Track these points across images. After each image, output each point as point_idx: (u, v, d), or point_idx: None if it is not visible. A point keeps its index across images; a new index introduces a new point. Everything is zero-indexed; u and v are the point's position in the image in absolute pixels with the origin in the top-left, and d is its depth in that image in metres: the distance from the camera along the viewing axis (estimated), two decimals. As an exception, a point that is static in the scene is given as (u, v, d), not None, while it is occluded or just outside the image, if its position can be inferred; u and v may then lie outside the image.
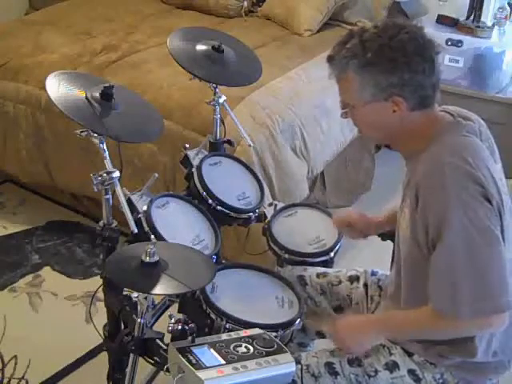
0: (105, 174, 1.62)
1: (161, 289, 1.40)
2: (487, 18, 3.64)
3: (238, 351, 1.35)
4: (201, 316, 1.58)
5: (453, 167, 1.41)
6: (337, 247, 1.95)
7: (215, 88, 2.06)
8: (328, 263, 1.94)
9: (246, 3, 3.81)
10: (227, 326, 1.54)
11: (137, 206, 1.77)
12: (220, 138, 2.15)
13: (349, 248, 2.68)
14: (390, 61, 1.44)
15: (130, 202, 1.75)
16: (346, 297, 1.85)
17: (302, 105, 2.93)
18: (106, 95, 1.67)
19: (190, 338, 1.38)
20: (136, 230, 1.64)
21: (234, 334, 1.42)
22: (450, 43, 3.41)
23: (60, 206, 3.31)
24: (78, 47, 3.28)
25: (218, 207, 1.90)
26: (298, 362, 1.62)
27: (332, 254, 1.94)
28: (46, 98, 2.59)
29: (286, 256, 1.92)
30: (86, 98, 1.66)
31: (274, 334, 1.52)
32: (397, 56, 1.44)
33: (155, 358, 1.54)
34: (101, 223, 1.69)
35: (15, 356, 2.41)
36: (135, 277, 1.43)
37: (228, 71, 2.03)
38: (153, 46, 3.30)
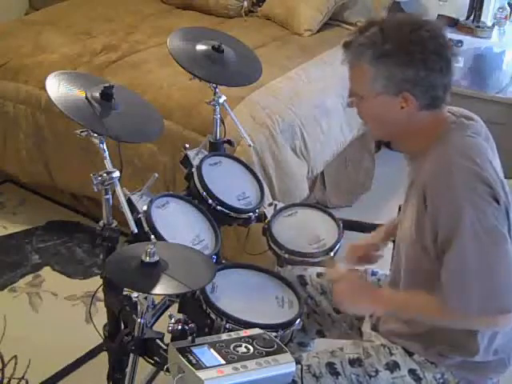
0: (105, 174, 1.62)
1: (161, 289, 1.40)
2: (487, 17, 3.65)
3: (237, 351, 1.35)
4: (201, 316, 1.58)
5: (461, 168, 1.41)
6: (337, 247, 1.95)
7: (215, 88, 2.06)
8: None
9: (245, 3, 3.81)
10: (227, 325, 1.54)
11: (137, 206, 1.77)
12: (220, 138, 2.15)
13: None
14: (407, 55, 1.42)
15: (130, 201, 1.75)
16: (346, 297, 1.85)
17: (302, 105, 2.93)
18: (106, 95, 1.67)
19: (189, 338, 1.38)
20: (136, 230, 1.64)
21: (234, 334, 1.42)
22: (450, 43, 3.41)
23: (60, 205, 3.31)
24: (77, 47, 3.28)
25: (218, 207, 1.90)
26: (298, 362, 1.62)
27: (332, 254, 1.94)
28: (46, 98, 2.59)
29: (286, 256, 1.91)
30: (86, 98, 1.66)
31: (274, 334, 1.52)
32: (415, 51, 1.42)
33: (155, 357, 1.54)
34: (101, 223, 1.69)
35: (15, 356, 2.41)
36: (135, 277, 1.43)
37: (228, 71, 2.03)
38: (153, 45, 3.30)
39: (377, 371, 1.60)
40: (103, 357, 2.01)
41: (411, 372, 1.59)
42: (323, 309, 1.86)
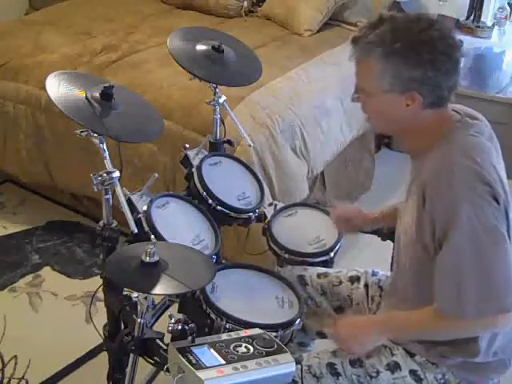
0: (105, 174, 1.62)
1: (161, 289, 1.40)
2: (487, 18, 3.65)
3: (237, 351, 1.35)
4: (201, 316, 1.58)
5: (461, 167, 1.41)
6: (337, 247, 1.95)
7: (215, 88, 2.06)
8: (328, 263, 1.94)
9: (245, 3, 3.81)
10: (227, 326, 1.54)
11: (137, 206, 1.77)
12: (220, 138, 2.15)
13: (349, 248, 2.68)
14: (416, 54, 1.42)
15: (130, 201, 1.75)
16: (346, 297, 1.85)
17: (302, 105, 2.93)
18: (106, 95, 1.67)
19: (189, 338, 1.38)
20: (136, 230, 1.64)
21: (234, 334, 1.42)
22: (450, 43, 3.41)
23: (60, 205, 3.31)
24: (77, 47, 3.28)
25: (218, 207, 1.90)
26: (299, 362, 1.62)
27: (332, 254, 1.94)
28: (46, 98, 2.59)
29: (286, 256, 1.92)
30: (86, 97, 1.66)
31: (274, 334, 1.52)
32: (424, 51, 1.42)
33: (155, 357, 1.54)
34: (101, 223, 1.69)
35: (15, 356, 2.41)
36: (135, 277, 1.43)
37: (228, 71, 2.03)
38: (153, 45, 3.30)
39: (378, 372, 1.60)
40: (103, 357, 2.01)
41: (412, 373, 1.59)
42: (323, 309, 1.86)
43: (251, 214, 1.97)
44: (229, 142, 2.17)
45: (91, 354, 2.43)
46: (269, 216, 2.03)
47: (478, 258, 1.39)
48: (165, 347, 1.50)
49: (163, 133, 1.85)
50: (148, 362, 1.57)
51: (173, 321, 1.44)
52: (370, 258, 2.56)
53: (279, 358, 1.34)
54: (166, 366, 1.42)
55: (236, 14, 3.81)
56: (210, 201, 1.90)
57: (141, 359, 1.57)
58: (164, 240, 1.68)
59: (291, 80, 3.03)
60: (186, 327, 1.40)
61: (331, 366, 1.62)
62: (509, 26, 3.71)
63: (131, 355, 1.56)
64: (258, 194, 2.05)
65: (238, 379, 1.28)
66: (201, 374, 1.26)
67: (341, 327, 1.60)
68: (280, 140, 2.76)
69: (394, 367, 1.60)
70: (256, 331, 1.44)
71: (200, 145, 2.09)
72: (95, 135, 1.62)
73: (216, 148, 2.13)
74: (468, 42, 3.44)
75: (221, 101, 2.08)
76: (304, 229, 2.02)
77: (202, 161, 1.98)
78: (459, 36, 1.49)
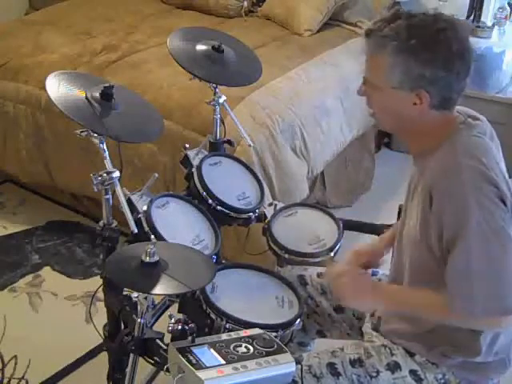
0: (105, 174, 1.62)
1: (161, 289, 1.40)
2: (487, 18, 3.65)
3: (237, 351, 1.35)
4: (201, 316, 1.58)
5: (467, 168, 1.40)
6: (337, 247, 1.94)
7: (215, 88, 2.06)
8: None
9: (245, 3, 3.81)
10: (227, 326, 1.54)
11: (137, 206, 1.77)
12: (220, 138, 2.15)
13: (349, 248, 2.67)
14: (430, 54, 1.41)
15: (130, 201, 1.75)
16: (346, 297, 1.85)
17: (302, 105, 2.93)
18: (106, 95, 1.67)
19: (189, 338, 1.38)
20: (136, 230, 1.64)
21: (234, 334, 1.42)
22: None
23: (60, 205, 3.31)
24: (77, 47, 3.28)
25: (218, 207, 1.90)
26: (299, 362, 1.62)
27: (332, 254, 1.94)
28: (46, 98, 2.59)
29: (286, 256, 1.91)
30: (86, 97, 1.66)
31: (274, 334, 1.51)
32: (439, 51, 1.41)
33: (155, 357, 1.54)
34: (101, 223, 1.69)
35: (15, 356, 2.41)
36: (135, 277, 1.43)
37: (228, 71, 2.03)
38: (153, 45, 3.30)
39: (378, 372, 1.60)
40: (103, 357, 2.01)
41: (412, 372, 1.59)
42: (323, 309, 1.86)
43: (251, 213, 1.97)
44: (229, 142, 2.17)
45: (91, 354, 2.43)
46: (269, 216, 2.03)
47: (486, 259, 1.39)
48: (165, 347, 1.50)
49: (163, 133, 1.85)
50: (148, 361, 1.57)
51: (173, 321, 1.44)
52: (370, 258, 2.56)
53: (279, 358, 1.34)
54: (166, 366, 1.42)
55: (236, 13, 3.81)
56: (210, 201, 1.90)
57: (141, 359, 1.57)
58: (164, 240, 1.68)
59: (291, 80, 3.03)
60: (186, 327, 1.40)
61: (331, 366, 1.62)
62: (509, 25, 3.71)
63: (131, 355, 1.56)
64: (258, 193, 2.05)
65: (238, 379, 1.28)
66: (201, 374, 1.26)
67: (346, 275, 1.60)
68: (280, 140, 2.76)
69: (394, 367, 1.60)
70: (256, 331, 1.44)
71: (200, 145, 2.09)
72: (95, 135, 1.62)
73: (216, 148, 2.13)
74: (468, 42, 3.44)
75: (221, 101, 2.08)
76: (304, 229, 2.02)
77: (202, 161, 1.98)
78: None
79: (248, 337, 1.41)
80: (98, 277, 1.74)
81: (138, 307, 1.51)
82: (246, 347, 1.36)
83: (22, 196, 3.39)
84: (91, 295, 2.39)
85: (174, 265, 1.45)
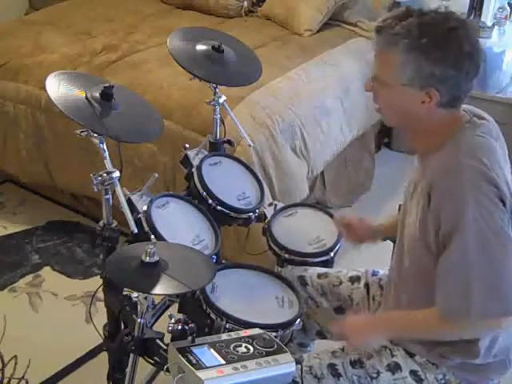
0: (105, 174, 1.62)
1: (161, 289, 1.40)
2: (487, 18, 3.65)
3: (237, 351, 1.35)
4: (201, 316, 1.58)
5: (468, 167, 1.40)
6: (337, 247, 1.95)
7: (215, 88, 2.06)
8: (328, 263, 1.94)
9: (245, 3, 3.81)
10: (227, 326, 1.54)
11: (137, 206, 1.77)
12: (220, 138, 2.15)
13: (349, 248, 2.67)
14: (441, 52, 1.40)
15: (130, 201, 1.75)
16: (347, 297, 1.85)
17: (302, 105, 2.93)
18: (106, 95, 1.67)
19: (189, 338, 1.38)
20: (136, 230, 1.64)
21: (233, 334, 1.42)
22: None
23: (60, 205, 3.31)
24: (77, 47, 3.28)
25: (218, 207, 1.90)
26: (299, 362, 1.61)
27: (332, 254, 1.94)
28: (46, 98, 2.60)
29: (286, 256, 1.92)
30: (86, 97, 1.66)
31: (274, 334, 1.52)
32: (450, 50, 1.40)
33: (155, 357, 1.54)
34: (101, 223, 1.69)
35: (15, 356, 2.41)
36: (135, 277, 1.43)
37: (228, 71, 2.03)
38: (153, 45, 3.30)
39: (378, 372, 1.60)
40: (103, 357, 2.01)
41: (413, 373, 1.59)
42: (324, 310, 1.86)
43: (251, 213, 1.97)
44: (229, 142, 2.17)
45: (91, 354, 2.42)
46: (269, 216, 2.03)
47: (485, 259, 1.39)
48: (165, 347, 1.50)
49: (163, 133, 1.85)
50: (148, 361, 1.57)
51: (173, 321, 1.44)
52: (370, 258, 2.56)
53: (279, 358, 1.34)
54: (166, 366, 1.43)
55: (236, 14, 3.81)
56: (210, 201, 1.90)
57: (141, 359, 1.57)
58: (164, 240, 1.68)
59: (291, 80, 3.03)
60: (186, 327, 1.40)
61: (332, 367, 1.62)
62: (509, 25, 3.71)
63: (131, 355, 1.56)
64: (258, 193, 2.05)
65: (238, 379, 1.28)
66: (201, 374, 1.26)
67: (344, 326, 1.60)
68: (280, 140, 2.76)
69: (394, 368, 1.60)
70: (256, 331, 1.44)
71: (200, 145, 2.09)
72: (95, 135, 1.62)
73: (216, 148, 2.13)
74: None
75: (221, 101, 2.08)
76: (304, 229, 2.02)
77: (202, 161, 1.98)
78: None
79: (248, 337, 1.41)
80: (98, 277, 1.74)
81: (138, 307, 1.51)
82: (246, 347, 1.36)
83: (22, 196, 3.39)
84: (91, 295, 2.39)
85: (174, 265, 1.45)
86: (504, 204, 1.41)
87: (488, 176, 1.40)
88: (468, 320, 1.43)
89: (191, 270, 1.49)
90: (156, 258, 1.43)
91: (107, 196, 1.66)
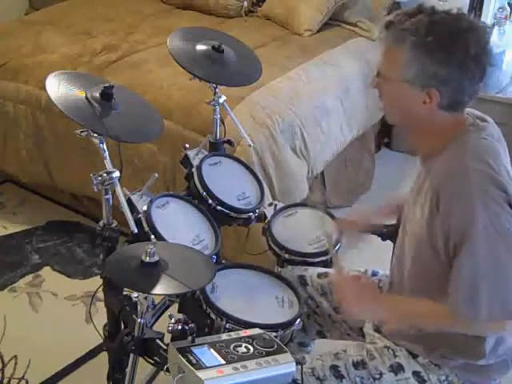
0: (105, 174, 1.62)
1: (161, 289, 1.40)
2: (487, 18, 3.65)
3: (237, 351, 1.35)
4: (201, 316, 1.57)
5: (475, 171, 1.40)
6: (337, 247, 1.94)
7: (215, 88, 2.06)
8: (328, 263, 1.94)
9: (245, 3, 3.81)
10: (227, 325, 1.54)
11: (137, 206, 1.77)
12: (220, 138, 2.15)
13: (349, 248, 2.68)
14: (446, 53, 1.39)
15: (130, 201, 1.75)
16: (346, 297, 1.85)
17: (302, 105, 2.93)
18: (106, 95, 1.67)
19: (189, 338, 1.38)
20: (136, 230, 1.64)
21: (233, 334, 1.42)
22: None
23: (60, 205, 3.31)
24: (77, 47, 3.28)
25: (218, 207, 1.90)
26: (300, 363, 1.61)
27: (335, 251, 1.93)
28: (46, 98, 2.60)
29: (286, 256, 1.92)
30: (86, 97, 1.66)
31: (274, 334, 1.51)
32: (456, 52, 1.39)
33: (155, 357, 1.54)
34: (101, 223, 1.69)
35: (15, 356, 2.41)
36: (135, 277, 1.43)
37: (228, 71, 2.03)
38: (153, 45, 3.30)
39: (381, 374, 1.60)
40: (103, 357, 2.01)
41: (415, 374, 1.59)
42: (324, 309, 1.86)
43: (251, 213, 1.97)
44: (229, 142, 2.17)
45: (91, 354, 2.43)
46: (269, 216, 2.03)
47: (493, 263, 1.39)
48: (165, 347, 1.50)
49: (163, 133, 1.85)
50: (148, 362, 1.57)
51: (173, 321, 1.43)
52: (370, 258, 2.56)
53: (279, 358, 1.34)
54: (166, 366, 1.42)
55: (236, 14, 3.81)
56: (210, 201, 1.90)
57: (141, 359, 1.57)
58: (164, 240, 1.68)
59: (291, 80, 3.03)
60: (186, 327, 1.40)
61: (335, 369, 1.62)
62: (509, 25, 3.71)
63: (131, 355, 1.56)
64: (258, 193, 2.05)
65: (238, 379, 1.28)
66: (201, 374, 1.26)
67: (349, 284, 1.60)
68: (280, 140, 2.76)
69: (397, 369, 1.60)
70: (256, 331, 1.44)
71: (200, 145, 2.09)
72: (95, 135, 1.62)
73: (216, 148, 2.13)
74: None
75: (221, 101, 2.08)
76: (304, 229, 2.02)
77: (202, 161, 1.98)
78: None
79: (248, 337, 1.40)
80: (98, 277, 1.74)
81: (138, 307, 1.51)
82: (246, 347, 1.36)
83: (22, 196, 3.39)
84: (91, 295, 2.39)
85: (174, 265, 1.45)
86: (511, 207, 1.40)
87: (496, 180, 1.39)
88: (474, 321, 1.43)
89: (191, 270, 1.49)
90: (156, 258, 1.43)
91: (107, 196, 1.66)
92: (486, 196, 1.38)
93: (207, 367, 1.28)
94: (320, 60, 3.26)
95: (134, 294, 1.55)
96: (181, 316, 1.58)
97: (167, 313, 1.62)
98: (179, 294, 1.64)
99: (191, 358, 1.31)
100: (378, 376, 1.60)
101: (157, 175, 1.84)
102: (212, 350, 1.34)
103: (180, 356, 1.32)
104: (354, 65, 3.31)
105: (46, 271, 2.87)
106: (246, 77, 2.12)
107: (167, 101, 2.78)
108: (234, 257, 2.52)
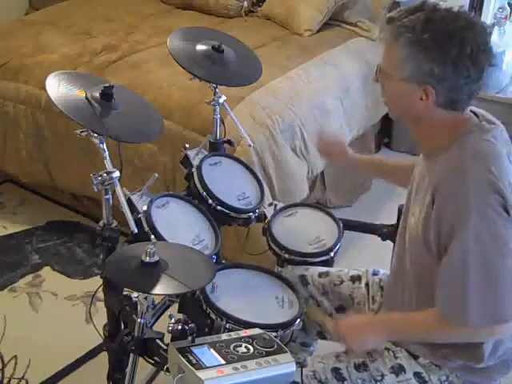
0: (105, 174, 1.62)
1: (161, 289, 1.40)
2: (487, 18, 3.65)
3: (237, 351, 1.35)
4: (201, 316, 1.57)
5: (474, 172, 1.39)
6: (337, 247, 1.94)
7: (215, 88, 2.06)
8: (328, 263, 1.94)
9: (245, 3, 3.81)
10: (227, 326, 1.54)
11: (137, 206, 1.77)
12: (220, 138, 2.15)
13: (349, 248, 2.68)
14: (441, 51, 1.38)
15: (130, 201, 1.75)
16: (347, 296, 1.85)
17: (302, 105, 2.93)
18: (106, 95, 1.67)
19: (189, 337, 1.38)
20: (136, 230, 1.64)
21: (233, 334, 1.42)
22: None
23: (60, 205, 3.31)
24: (77, 47, 3.28)
25: (218, 207, 1.90)
26: (302, 366, 1.61)
27: (332, 254, 1.93)
28: (46, 98, 2.60)
29: (286, 256, 1.91)
30: (86, 97, 1.66)
31: (274, 334, 1.51)
32: (451, 50, 1.38)
33: (155, 358, 1.54)
34: (101, 223, 1.69)
35: (15, 356, 2.41)
36: (135, 277, 1.43)
37: (228, 71, 2.03)
38: (153, 45, 3.30)
39: (382, 375, 1.59)
40: (103, 357, 2.01)
41: (416, 375, 1.59)
42: (325, 309, 1.85)
43: (251, 213, 1.97)
44: (229, 142, 2.17)
45: (91, 354, 2.43)
46: (269, 216, 2.03)
47: (484, 267, 1.39)
48: (165, 347, 1.50)
49: (163, 133, 1.85)
50: (148, 362, 1.57)
51: (173, 321, 1.43)
52: (370, 258, 2.56)
53: (279, 358, 1.34)
54: (166, 366, 1.42)
55: (236, 14, 3.81)
56: (210, 201, 1.90)
57: (141, 359, 1.57)
58: (164, 240, 1.68)
59: (291, 80, 3.03)
60: (186, 327, 1.40)
61: (336, 371, 1.61)
62: (509, 25, 3.71)
63: (131, 355, 1.56)
64: (258, 193, 2.05)
65: (238, 379, 1.28)
66: (201, 374, 1.26)
67: (342, 325, 1.60)
68: (280, 140, 2.76)
69: (398, 370, 1.59)
70: (256, 331, 1.44)
71: (200, 145, 2.09)
72: (95, 135, 1.62)
73: (216, 148, 2.13)
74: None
75: (221, 101, 2.08)
76: (304, 229, 2.02)
77: (202, 161, 1.98)
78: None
79: (248, 337, 1.40)
80: (98, 277, 1.74)
81: (138, 307, 1.51)
82: (246, 347, 1.36)
83: (22, 196, 3.39)
84: (91, 295, 2.39)
85: (174, 265, 1.45)
86: (508, 214, 1.39)
87: (495, 185, 1.39)
88: (466, 326, 1.43)
89: (191, 270, 1.49)
90: (156, 258, 1.43)
91: (107, 196, 1.66)
92: (485, 203, 1.38)
93: (207, 367, 1.28)
94: (320, 60, 3.26)
95: (134, 294, 1.54)
96: (181, 316, 1.58)
97: (167, 313, 1.62)
98: (179, 294, 1.63)
99: (191, 357, 1.31)
100: (379, 378, 1.60)
101: (157, 175, 1.84)
102: (212, 350, 1.34)
103: (180, 356, 1.32)
104: (353, 65, 3.31)
105: (46, 271, 2.87)
106: (246, 77, 2.12)
107: (167, 101, 2.78)
108: (234, 257, 2.52)
